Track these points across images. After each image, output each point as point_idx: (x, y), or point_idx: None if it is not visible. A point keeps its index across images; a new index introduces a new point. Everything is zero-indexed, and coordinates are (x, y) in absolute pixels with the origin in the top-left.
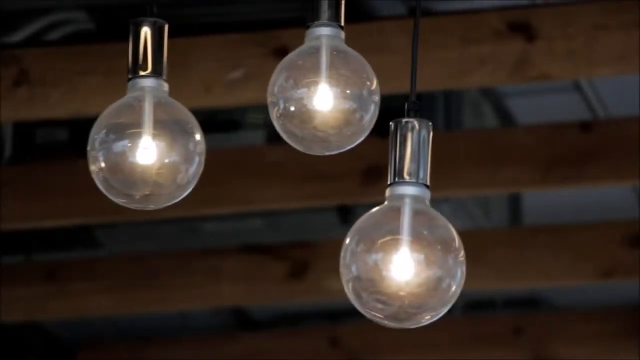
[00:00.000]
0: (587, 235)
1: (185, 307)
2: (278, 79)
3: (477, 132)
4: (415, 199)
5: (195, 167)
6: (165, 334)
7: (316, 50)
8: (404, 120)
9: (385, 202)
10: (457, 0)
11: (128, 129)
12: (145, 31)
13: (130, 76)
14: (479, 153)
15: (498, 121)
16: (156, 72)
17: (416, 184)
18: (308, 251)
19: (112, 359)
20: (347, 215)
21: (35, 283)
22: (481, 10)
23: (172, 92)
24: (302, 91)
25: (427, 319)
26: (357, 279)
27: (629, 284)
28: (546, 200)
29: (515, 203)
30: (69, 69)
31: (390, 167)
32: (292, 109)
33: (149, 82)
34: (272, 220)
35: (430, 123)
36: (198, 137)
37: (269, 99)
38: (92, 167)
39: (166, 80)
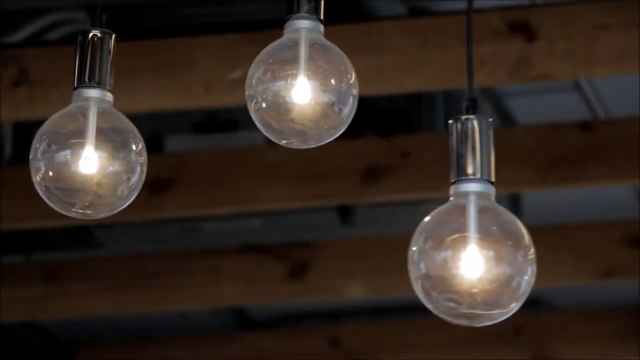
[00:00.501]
0: (587, 235)
1: (185, 307)
2: (256, 72)
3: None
4: (481, 195)
5: (137, 177)
6: (165, 334)
7: (295, 43)
8: (464, 117)
9: (450, 199)
10: (457, 0)
11: (71, 139)
12: (92, 41)
13: (75, 86)
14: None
15: (498, 121)
16: (101, 83)
17: (480, 180)
18: (308, 251)
19: (112, 359)
20: (347, 215)
21: (35, 283)
22: (481, 10)
23: (173, 92)
24: (280, 84)
25: (498, 316)
26: (426, 277)
27: (629, 284)
28: (546, 200)
29: (515, 203)
30: (69, 69)
31: (453, 164)
32: (270, 101)
33: (93, 93)
34: (272, 220)
35: (491, 119)
36: (140, 147)
37: (247, 92)
38: (35, 177)
39: (110, 91)
